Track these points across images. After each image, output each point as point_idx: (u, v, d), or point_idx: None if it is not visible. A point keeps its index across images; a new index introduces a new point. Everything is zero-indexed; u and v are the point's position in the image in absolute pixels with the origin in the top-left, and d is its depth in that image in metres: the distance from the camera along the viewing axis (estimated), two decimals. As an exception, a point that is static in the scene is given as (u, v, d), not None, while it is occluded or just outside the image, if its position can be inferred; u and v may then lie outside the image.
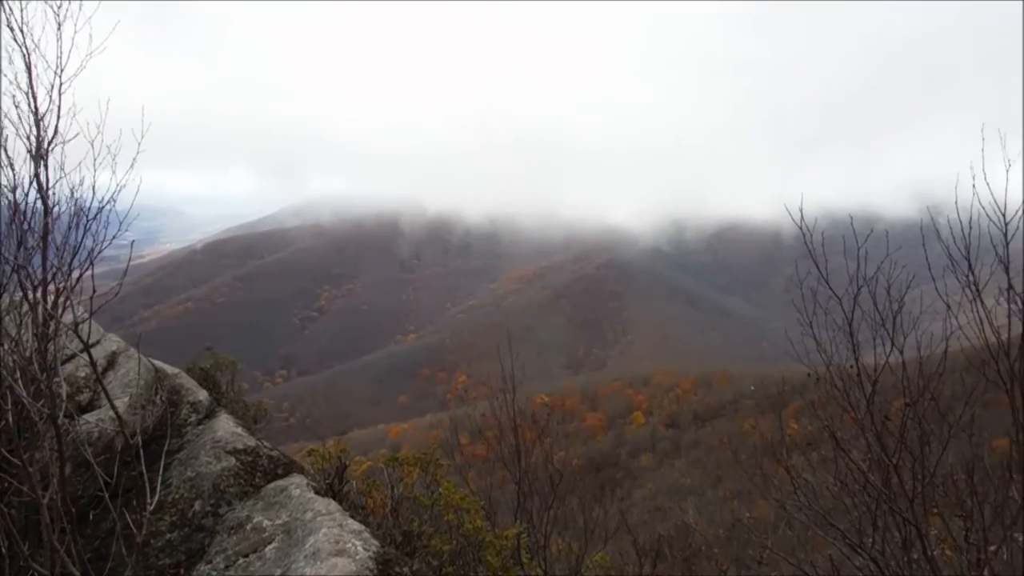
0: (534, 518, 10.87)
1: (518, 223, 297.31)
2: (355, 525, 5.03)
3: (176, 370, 8.01)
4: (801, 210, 6.27)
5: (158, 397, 6.82)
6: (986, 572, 6.20)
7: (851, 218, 6.08)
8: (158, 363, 7.81)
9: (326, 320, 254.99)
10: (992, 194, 5.70)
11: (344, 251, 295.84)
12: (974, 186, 5.68)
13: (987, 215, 5.76)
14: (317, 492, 5.78)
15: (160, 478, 4.76)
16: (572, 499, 12.26)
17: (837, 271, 6.71)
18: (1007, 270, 5.75)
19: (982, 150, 5.53)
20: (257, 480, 5.96)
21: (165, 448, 5.87)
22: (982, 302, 5.86)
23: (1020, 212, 5.71)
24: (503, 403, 11.37)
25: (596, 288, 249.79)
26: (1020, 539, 6.29)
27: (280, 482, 5.90)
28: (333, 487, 6.44)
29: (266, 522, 5.33)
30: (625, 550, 13.60)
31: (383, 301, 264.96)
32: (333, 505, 5.34)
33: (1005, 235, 5.79)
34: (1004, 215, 5.79)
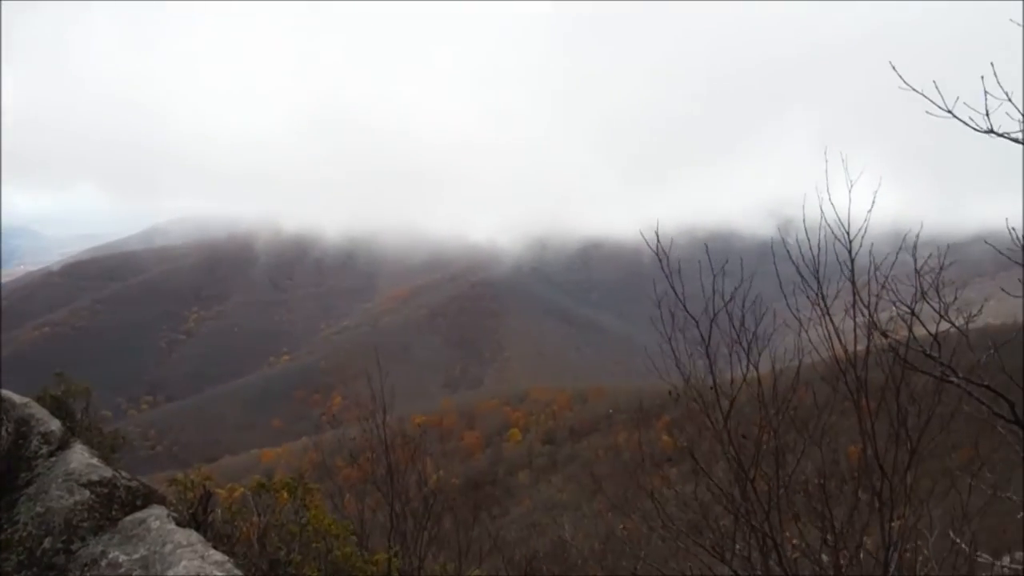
0: (408, 540, 10.75)
1: (380, 242, 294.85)
2: (217, 556, 4.84)
3: (25, 399, 7.52)
4: (657, 233, 6.47)
5: (3, 429, 6.40)
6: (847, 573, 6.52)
7: (706, 246, 6.31)
8: (5, 392, 7.33)
9: (195, 343, 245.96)
10: (837, 213, 6.05)
11: (213, 271, 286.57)
12: (820, 206, 6.01)
13: (833, 233, 6.11)
14: (179, 523, 5.53)
15: (6, 516, 4.46)
16: (448, 519, 12.20)
17: (698, 289, 6.94)
18: (853, 285, 6.10)
19: (826, 172, 5.86)
20: (114, 513, 5.65)
21: (13, 484, 5.51)
22: (830, 318, 6.20)
23: (864, 230, 6.08)
24: (377, 424, 11.23)
25: (472, 306, 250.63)
26: (870, 542, 6.64)
27: (139, 514, 5.61)
28: (196, 517, 6.19)
29: (122, 557, 5.06)
30: (501, 568, 13.62)
31: (255, 322, 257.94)
32: (195, 536, 5.11)
33: (849, 252, 6.15)
34: (848, 233, 6.15)
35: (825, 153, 5.92)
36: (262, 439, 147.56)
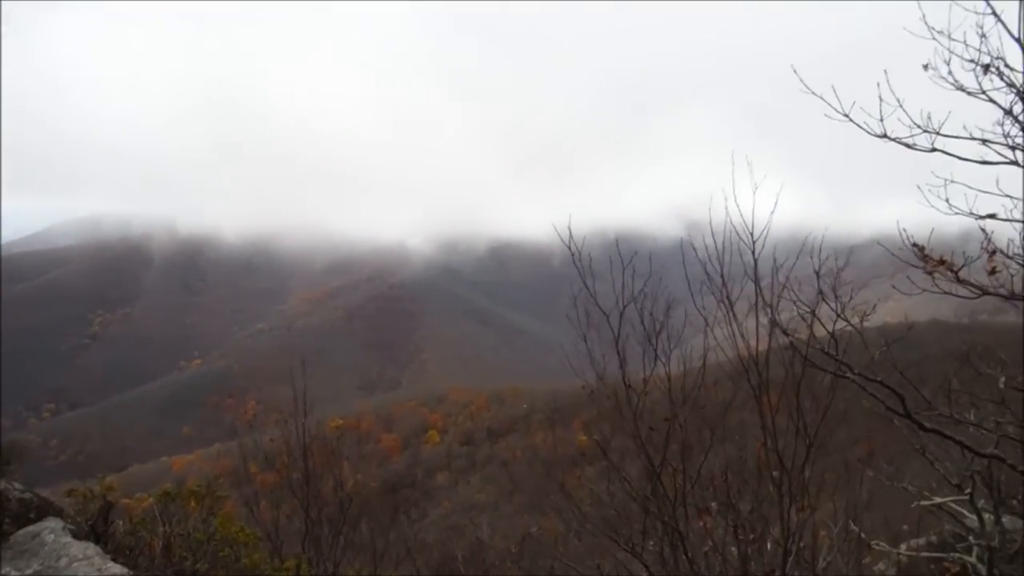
0: (323, 546, 10.61)
1: (284, 243, 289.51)
2: (117, 569, 4.71)
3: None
4: (570, 229, 6.56)
5: None
6: (752, 566, 6.70)
7: (616, 242, 6.41)
8: None
9: (100, 348, 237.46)
10: (741, 215, 6.22)
11: (118, 273, 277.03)
12: (726, 208, 6.18)
13: (738, 234, 6.29)
14: (76, 535, 5.36)
15: None
16: (365, 523, 12.10)
17: (611, 288, 7.04)
18: (756, 286, 6.29)
19: (732, 174, 6.03)
20: (5, 527, 5.44)
21: None
22: (735, 316, 6.37)
23: (766, 232, 6.27)
24: (296, 428, 11.07)
25: (389, 308, 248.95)
26: (776, 532, 6.84)
27: (32, 527, 5.42)
28: (96, 529, 6.00)
29: (14, 572, 4.88)
30: (418, 572, 13.56)
31: (164, 326, 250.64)
32: (92, 549, 4.96)
33: (753, 253, 6.33)
34: (752, 234, 6.34)
35: (732, 156, 6.09)
36: (173, 446, 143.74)
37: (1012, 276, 5.15)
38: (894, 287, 5.89)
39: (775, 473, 6.34)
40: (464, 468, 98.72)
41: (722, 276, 6.37)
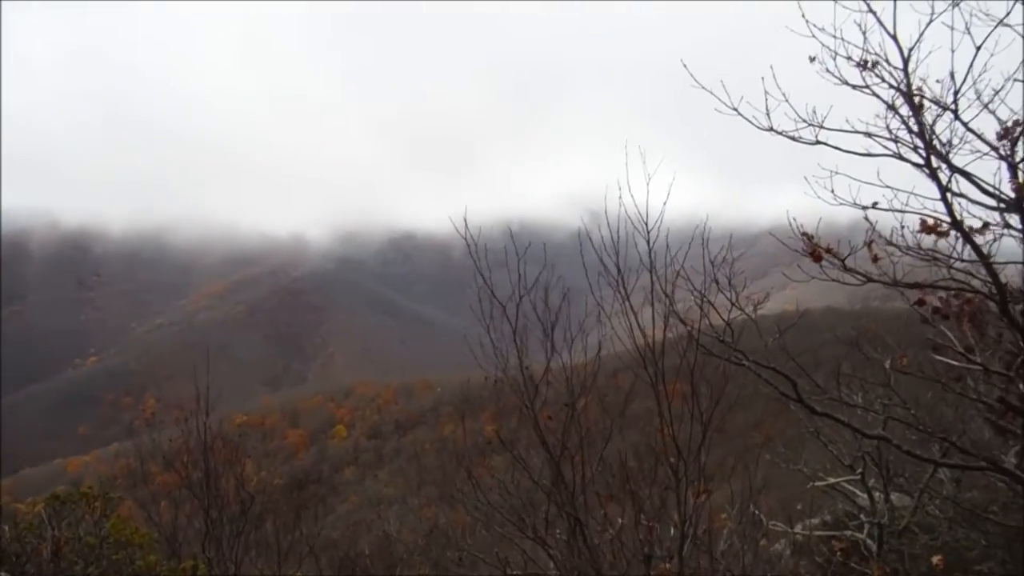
0: (224, 546, 10.37)
1: (175, 236, 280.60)
2: (-1, 577, 4.50)
3: None
4: (465, 220, 6.55)
5: None
6: (654, 550, 6.84)
7: (511, 230, 6.45)
8: None
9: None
10: (636, 205, 6.33)
11: (8, 267, 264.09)
12: (620, 198, 6.26)
13: (633, 225, 6.39)
14: (-44, 544, 5.10)
15: None
16: (270, 522, 11.88)
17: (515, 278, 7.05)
18: (652, 274, 6.41)
19: (626, 164, 6.12)
20: None
21: None
22: (631, 306, 6.48)
23: (660, 220, 6.39)
24: (197, 426, 10.78)
25: (292, 302, 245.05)
26: (676, 517, 7.00)
27: (-93, 537, 5.14)
28: (-22, 536, 5.73)
29: None
30: (324, 569, 13.39)
31: (58, 322, 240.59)
32: (-28, 557, 4.73)
33: (648, 242, 6.45)
34: (647, 224, 6.45)
35: (626, 146, 6.17)
36: (68, 447, 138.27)
37: (894, 264, 5.39)
38: (784, 275, 6.09)
39: (672, 459, 6.48)
40: (372, 462, 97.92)
41: (617, 266, 6.46)
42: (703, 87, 5.32)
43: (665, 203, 6.30)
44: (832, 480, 12.33)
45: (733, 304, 6.10)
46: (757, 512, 11.64)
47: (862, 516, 12.25)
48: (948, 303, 5.70)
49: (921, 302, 5.96)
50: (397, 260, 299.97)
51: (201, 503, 10.70)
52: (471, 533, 11.18)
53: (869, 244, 5.17)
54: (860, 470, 11.85)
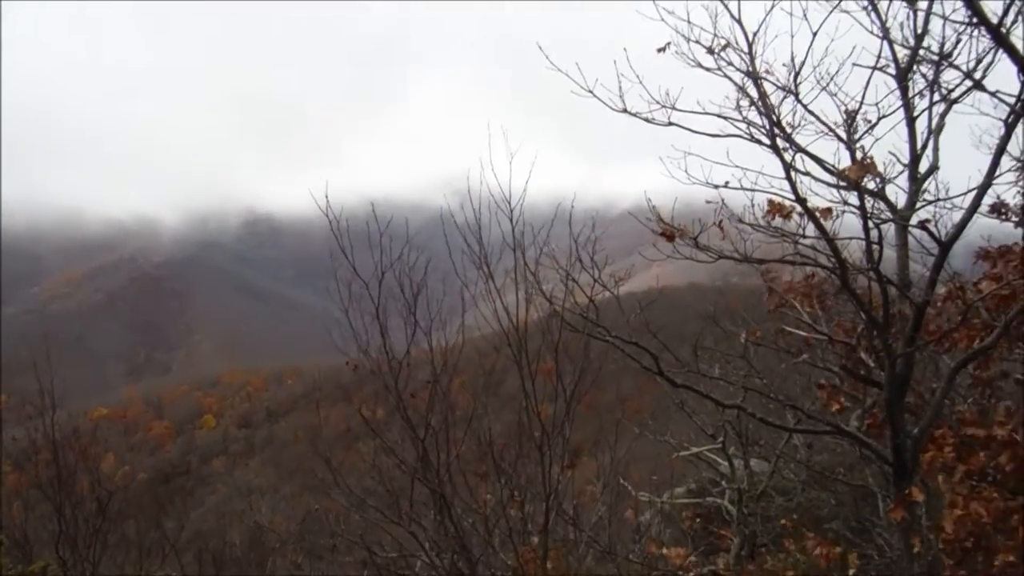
0: (80, 547, 9.91)
1: (24, 220, 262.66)
2: None
3: None
4: (327, 197, 6.43)
5: None
6: (526, 525, 6.94)
7: (372, 206, 6.36)
8: None
9: None
10: (500, 185, 6.35)
11: None
12: (482, 178, 6.27)
13: (497, 204, 6.42)
14: None
15: None
16: (132, 518, 11.45)
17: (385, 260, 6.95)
18: (515, 253, 6.47)
19: (489, 144, 6.11)
20: None
21: None
22: (495, 285, 6.52)
23: (522, 199, 6.45)
24: (42, 424, 10.23)
25: (154, 288, 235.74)
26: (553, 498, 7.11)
27: None
28: None
29: None
30: (182, 566, 12.99)
31: None
32: None
33: (511, 220, 6.49)
34: (510, 202, 6.49)
35: (488, 126, 6.17)
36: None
37: (745, 241, 5.63)
38: (640, 254, 6.25)
39: (537, 434, 6.58)
40: (243, 452, 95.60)
41: (480, 244, 6.48)
42: (559, 69, 5.37)
43: (527, 182, 6.37)
44: (695, 449, 12.81)
45: (596, 281, 6.22)
46: (625, 484, 11.98)
47: (723, 483, 12.79)
48: (795, 279, 6.01)
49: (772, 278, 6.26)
50: (264, 244, 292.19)
51: (53, 503, 10.18)
52: (345, 519, 11.07)
53: (719, 223, 5.37)
54: (721, 439, 12.35)
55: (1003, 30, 4.84)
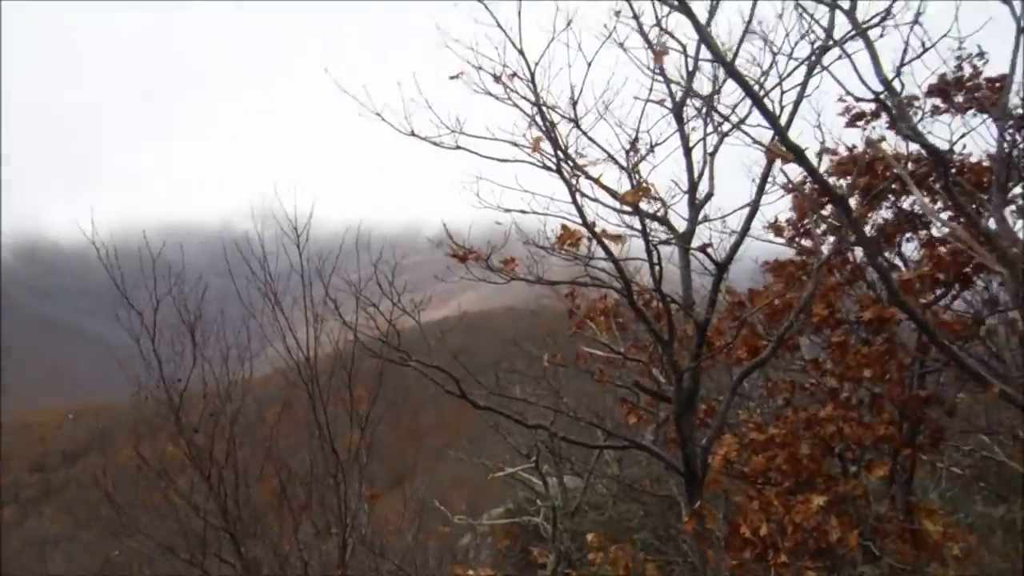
0: None
1: None
2: None
3: None
4: (93, 223, 6.10)
5: None
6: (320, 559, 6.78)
7: (144, 233, 6.08)
8: None
9: None
10: (287, 214, 6.23)
11: None
12: (272, 206, 6.16)
13: (284, 232, 6.29)
14: None
15: None
16: None
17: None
18: (303, 279, 6.35)
19: (282, 172, 6.00)
20: None
21: None
22: (283, 312, 6.37)
23: (308, 225, 6.35)
24: None
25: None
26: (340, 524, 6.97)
27: None
28: None
29: None
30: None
31: None
32: None
33: (298, 246, 6.38)
34: (296, 229, 6.37)
35: (282, 153, 6.06)
36: None
37: (538, 262, 5.79)
38: (436, 277, 6.28)
39: (332, 469, 6.46)
40: (36, 498, 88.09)
41: (265, 269, 6.33)
42: (346, 91, 5.35)
43: (312, 208, 6.28)
44: (510, 470, 13.00)
45: (395, 305, 6.20)
46: (442, 508, 11.95)
47: (539, 501, 13.03)
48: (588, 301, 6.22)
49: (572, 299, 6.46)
50: (59, 271, 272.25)
51: None
52: (149, 563, 10.44)
53: (501, 246, 5.50)
54: (534, 458, 12.60)
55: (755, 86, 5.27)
